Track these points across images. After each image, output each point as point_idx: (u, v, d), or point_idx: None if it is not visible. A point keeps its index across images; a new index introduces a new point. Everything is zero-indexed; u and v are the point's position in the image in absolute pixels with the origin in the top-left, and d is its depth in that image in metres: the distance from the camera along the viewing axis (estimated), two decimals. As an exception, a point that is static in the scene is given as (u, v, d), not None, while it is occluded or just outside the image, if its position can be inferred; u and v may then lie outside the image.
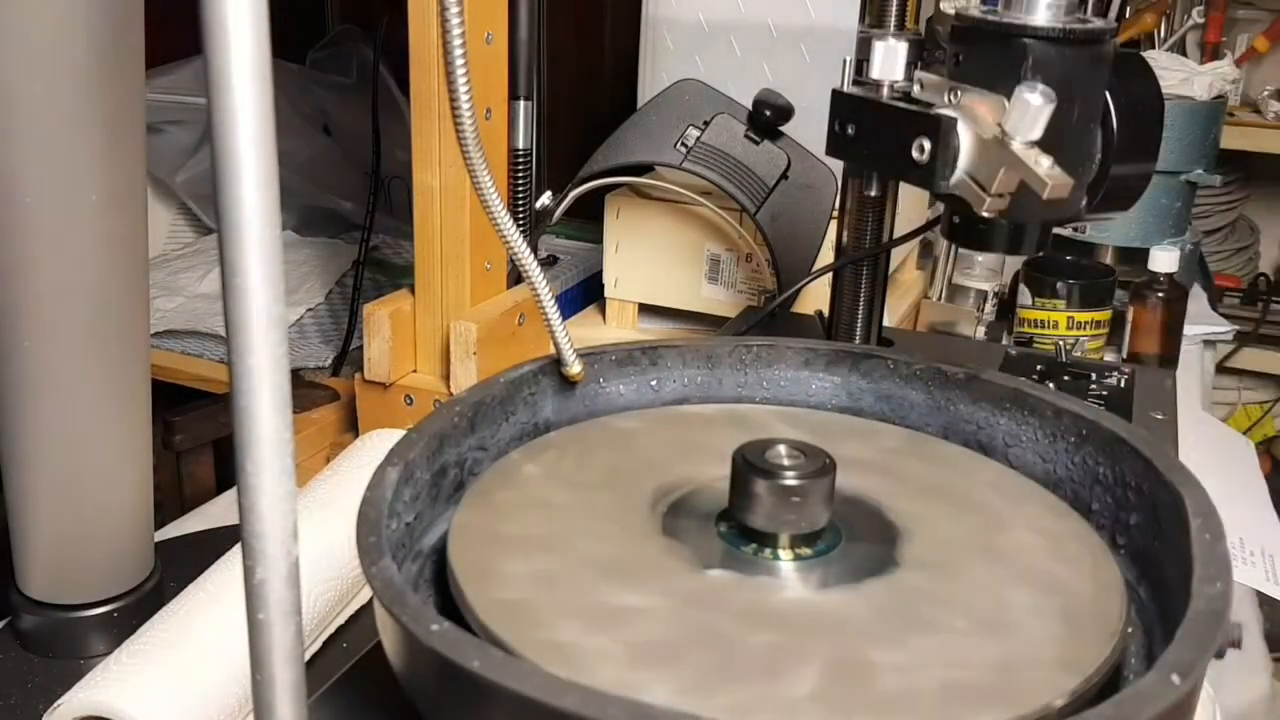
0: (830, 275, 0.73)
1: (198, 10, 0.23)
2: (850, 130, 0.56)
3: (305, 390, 0.93)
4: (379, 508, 0.37)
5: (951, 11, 0.50)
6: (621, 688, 0.29)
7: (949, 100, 0.49)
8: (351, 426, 0.90)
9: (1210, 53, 1.86)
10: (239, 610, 0.26)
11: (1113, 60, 0.49)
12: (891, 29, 0.63)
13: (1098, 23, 0.48)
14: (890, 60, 0.54)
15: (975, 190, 0.47)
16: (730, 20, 1.02)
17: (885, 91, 0.53)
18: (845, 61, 0.57)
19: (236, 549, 0.26)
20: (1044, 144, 0.44)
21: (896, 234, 0.73)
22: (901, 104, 0.52)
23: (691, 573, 0.38)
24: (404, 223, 1.00)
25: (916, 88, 0.52)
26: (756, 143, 0.91)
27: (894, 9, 0.63)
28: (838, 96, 0.57)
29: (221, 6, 0.23)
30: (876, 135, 0.54)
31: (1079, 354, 1.08)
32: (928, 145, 0.48)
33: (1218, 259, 1.91)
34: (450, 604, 0.37)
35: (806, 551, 0.38)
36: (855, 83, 0.57)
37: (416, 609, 0.32)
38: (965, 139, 0.48)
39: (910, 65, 0.54)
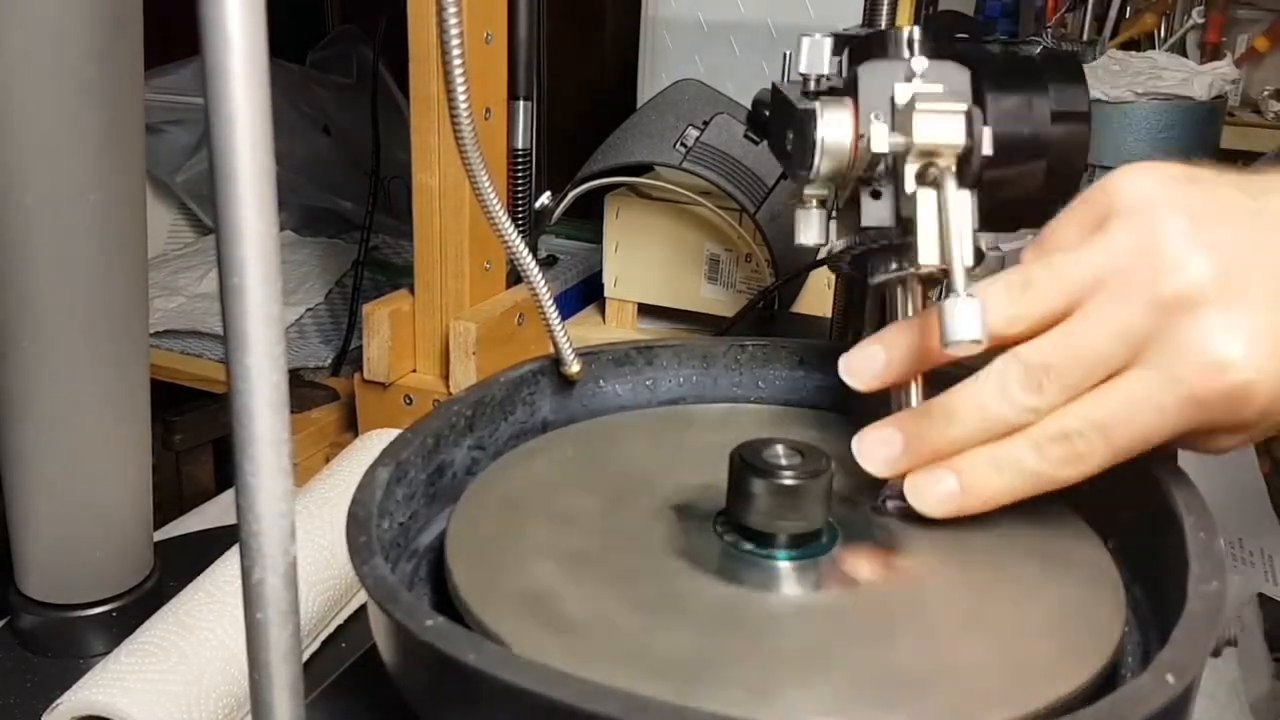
0: (834, 278, 0.73)
1: (197, 10, 0.23)
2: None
3: (305, 390, 0.93)
4: (369, 507, 0.37)
5: None
6: (617, 682, 0.29)
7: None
8: (351, 426, 0.90)
9: (1210, 53, 1.86)
10: (237, 610, 0.27)
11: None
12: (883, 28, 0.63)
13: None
14: (816, 55, 0.52)
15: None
16: (730, 20, 1.02)
17: (813, 85, 0.52)
18: (785, 55, 0.56)
19: (235, 549, 0.26)
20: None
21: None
22: (792, 97, 0.50)
23: (687, 571, 0.38)
24: (404, 223, 1.01)
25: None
26: (756, 143, 0.90)
27: (885, 8, 0.62)
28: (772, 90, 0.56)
29: (220, 6, 0.23)
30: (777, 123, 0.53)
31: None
32: (791, 136, 0.47)
33: (1218, 259, 1.90)
34: (447, 603, 0.37)
35: (804, 551, 0.39)
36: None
37: (410, 606, 0.32)
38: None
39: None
